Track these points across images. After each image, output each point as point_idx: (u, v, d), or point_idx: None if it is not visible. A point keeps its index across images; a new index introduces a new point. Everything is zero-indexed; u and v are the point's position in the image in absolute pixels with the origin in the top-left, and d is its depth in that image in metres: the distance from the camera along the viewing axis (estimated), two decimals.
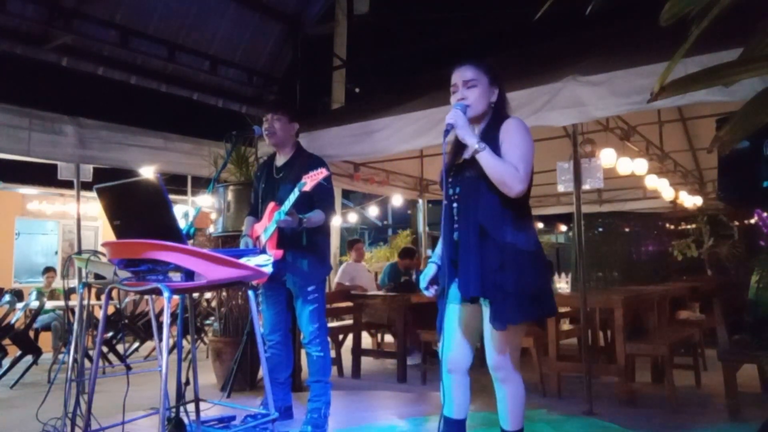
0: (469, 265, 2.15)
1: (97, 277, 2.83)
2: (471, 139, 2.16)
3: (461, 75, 2.28)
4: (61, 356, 5.59)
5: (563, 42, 5.15)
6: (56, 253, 9.70)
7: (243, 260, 2.45)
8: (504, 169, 2.11)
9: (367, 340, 5.94)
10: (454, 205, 2.26)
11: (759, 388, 4.06)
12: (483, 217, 2.16)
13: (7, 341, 5.54)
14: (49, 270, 7.42)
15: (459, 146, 2.34)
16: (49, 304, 6.21)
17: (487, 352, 2.23)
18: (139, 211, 2.43)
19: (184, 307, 3.19)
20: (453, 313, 2.30)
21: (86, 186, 4.73)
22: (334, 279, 6.51)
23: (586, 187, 4.72)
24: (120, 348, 6.05)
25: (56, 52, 5.94)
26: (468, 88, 2.26)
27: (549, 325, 4.27)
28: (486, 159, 2.12)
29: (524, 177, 2.12)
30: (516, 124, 2.23)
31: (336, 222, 8.80)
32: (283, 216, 3.01)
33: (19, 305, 5.79)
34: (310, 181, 2.97)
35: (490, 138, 2.20)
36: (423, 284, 2.38)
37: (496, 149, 2.17)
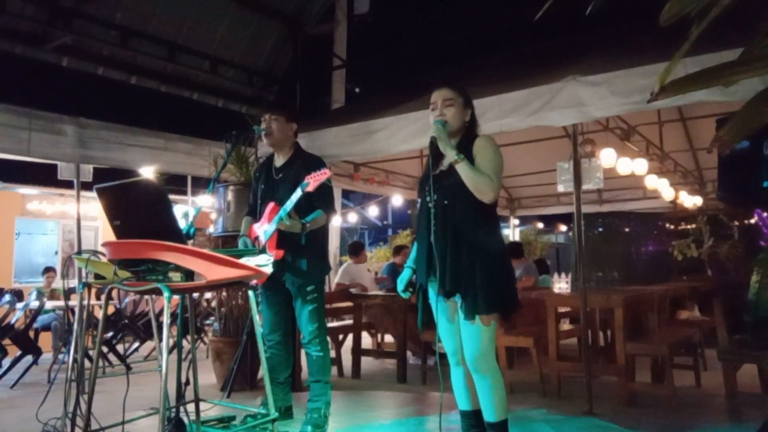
0: (445, 263, 2.38)
1: (97, 277, 2.83)
2: (451, 151, 2.41)
3: (440, 95, 2.54)
4: (61, 356, 5.59)
5: (563, 42, 5.15)
6: (56, 253, 9.70)
7: (243, 260, 2.45)
8: (480, 178, 2.37)
9: (367, 340, 5.94)
10: (432, 210, 2.48)
11: (759, 388, 4.06)
12: (459, 220, 2.41)
13: (7, 341, 5.54)
14: (49, 270, 7.41)
15: (435, 158, 2.57)
16: (49, 304, 6.21)
17: (465, 347, 2.42)
18: (139, 211, 2.43)
19: (184, 307, 3.19)
20: (442, 311, 2.50)
21: (86, 186, 4.73)
22: (335, 279, 6.51)
23: (586, 187, 4.72)
24: (120, 348, 6.05)
25: (56, 52, 5.95)
26: (446, 106, 2.52)
27: (549, 325, 4.28)
28: (464, 169, 2.38)
29: (497, 186, 2.42)
30: (488, 141, 2.51)
31: (336, 222, 8.79)
32: (284, 217, 3.00)
33: (19, 305, 5.78)
34: (313, 181, 2.97)
35: (465, 153, 2.44)
36: (400, 287, 2.65)
37: (470, 162, 2.43)
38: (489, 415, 2.41)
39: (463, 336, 2.42)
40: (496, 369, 2.42)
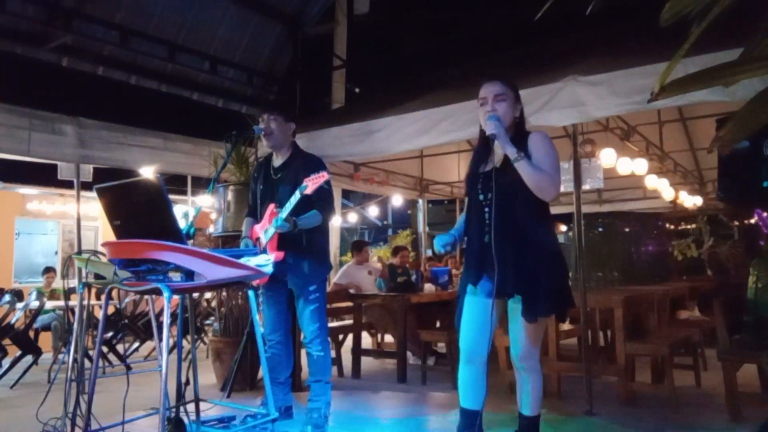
0: (507, 264, 2.30)
1: (97, 277, 2.83)
2: (511, 149, 2.32)
3: (491, 89, 2.44)
4: (61, 356, 5.59)
5: (563, 42, 5.15)
6: (56, 253, 9.70)
7: (243, 260, 2.45)
8: (542, 176, 2.29)
9: (367, 340, 5.93)
10: (486, 209, 2.39)
11: (759, 388, 4.05)
12: (520, 220, 2.35)
13: (7, 341, 5.54)
14: (49, 270, 7.41)
15: (482, 155, 2.50)
16: (49, 304, 6.21)
17: (514, 344, 2.42)
18: (139, 211, 2.43)
19: (184, 307, 3.19)
20: (476, 306, 2.43)
21: (86, 186, 4.74)
22: (333, 279, 6.49)
23: (586, 187, 4.72)
24: (120, 348, 6.05)
25: (56, 52, 5.96)
26: (498, 101, 2.42)
27: (549, 325, 4.27)
28: (525, 167, 2.29)
29: (559, 183, 2.36)
30: (544, 136, 2.43)
31: (336, 222, 8.79)
32: (281, 222, 3.01)
33: (19, 305, 5.78)
34: (311, 184, 2.97)
35: (519, 149, 2.35)
36: (438, 245, 2.51)
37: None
38: (526, 410, 2.46)
39: (516, 335, 2.41)
40: (540, 369, 2.46)
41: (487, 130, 2.36)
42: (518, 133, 2.44)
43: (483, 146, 2.49)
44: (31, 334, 5.93)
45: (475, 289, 2.43)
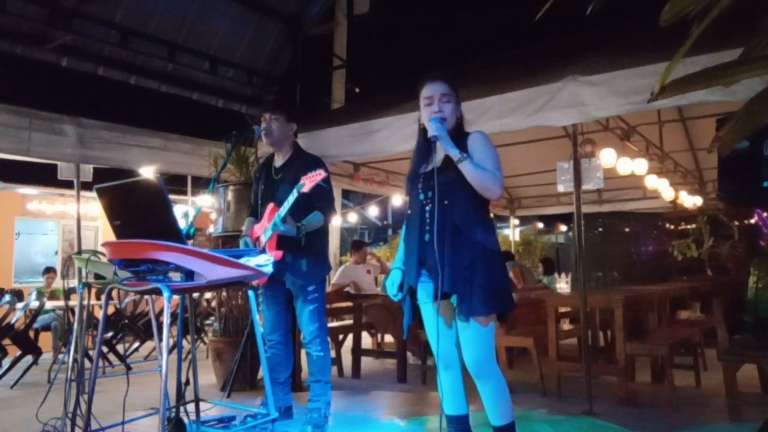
0: (445, 262, 2.28)
1: (97, 277, 2.83)
2: (454, 150, 2.32)
3: (437, 89, 2.44)
4: (61, 356, 5.59)
5: (563, 42, 5.14)
6: (56, 253, 9.70)
7: (243, 260, 2.45)
8: (486, 176, 2.30)
9: (367, 340, 5.93)
10: (426, 208, 2.39)
11: (759, 388, 4.06)
12: (459, 218, 2.33)
13: (7, 341, 5.54)
14: (49, 270, 7.41)
15: (423, 155, 2.50)
16: (49, 304, 6.21)
17: (465, 351, 2.33)
18: (139, 211, 2.43)
19: (184, 307, 3.19)
20: (430, 312, 2.41)
21: (86, 186, 4.73)
22: (332, 279, 6.50)
23: (586, 187, 4.72)
24: (120, 348, 6.05)
25: (56, 52, 5.96)
26: (444, 102, 2.42)
27: (549, 325, 4.27)
28: (470, 167, 2.29)
29: (502, 182, 2.36)
30: (484, 136, 2.44)
31: (336, 222, 8.79)
32: (279, 221, 3.01)
33: (19, 305, 5.78)
34: (308, 182, 2.97)
35: (461, 150, 2.35)
36: (393, 291, 2.51)
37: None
38: (494, 420, 2.34)
39: (461, 341, 2.33)
40: (497, 372, 2.33)
41: (430, 132, 2.36)
42: (459, 133, 2.43)
43: (424, 146, 2.49)
44: (31, 334, 5.93)
45: (426, 297, 2.41)
